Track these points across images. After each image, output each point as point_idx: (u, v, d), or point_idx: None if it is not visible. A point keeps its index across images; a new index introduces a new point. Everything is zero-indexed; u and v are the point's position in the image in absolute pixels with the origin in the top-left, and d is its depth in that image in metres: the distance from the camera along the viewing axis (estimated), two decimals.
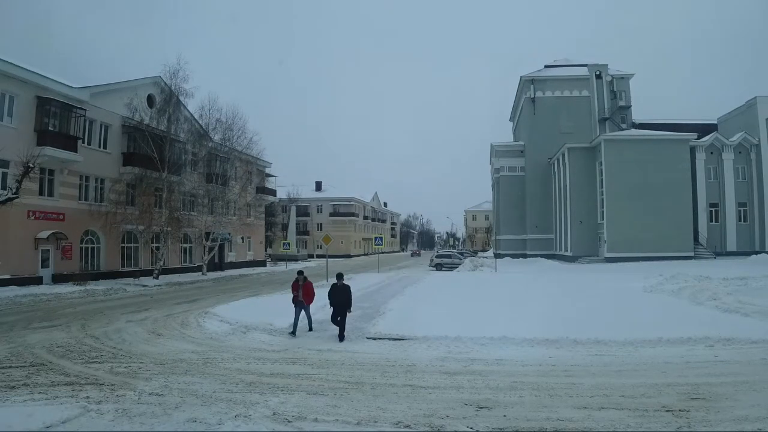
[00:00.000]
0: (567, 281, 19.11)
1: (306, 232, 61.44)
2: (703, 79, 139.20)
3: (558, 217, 37.10)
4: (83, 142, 20.69)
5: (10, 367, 6.61)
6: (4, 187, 16.68)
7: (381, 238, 29.85)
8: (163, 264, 23.86)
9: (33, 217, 18.46)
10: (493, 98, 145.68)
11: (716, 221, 32.73)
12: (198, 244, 28.20)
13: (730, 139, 32.68)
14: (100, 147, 22.21)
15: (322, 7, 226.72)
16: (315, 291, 9.60)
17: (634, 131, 34.68)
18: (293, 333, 8.91)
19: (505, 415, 4.60)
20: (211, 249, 27.34)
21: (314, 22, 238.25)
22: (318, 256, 53.70)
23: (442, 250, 51.69)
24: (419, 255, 72.01)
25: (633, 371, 6.18)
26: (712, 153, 32.84)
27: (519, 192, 40.41)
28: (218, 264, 30.41)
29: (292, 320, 9.13)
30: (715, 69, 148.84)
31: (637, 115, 38.98)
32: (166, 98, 23.89)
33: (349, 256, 59.00)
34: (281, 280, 24.69)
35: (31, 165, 15.55)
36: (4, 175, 17.36)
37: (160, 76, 24.23)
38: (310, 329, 9.24)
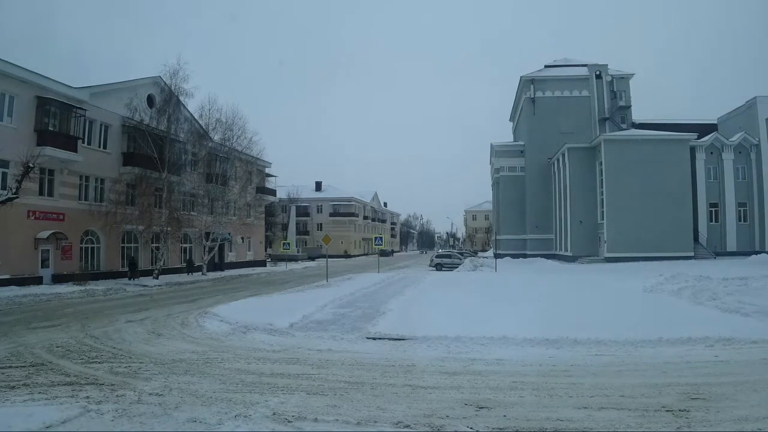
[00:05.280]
0: (567, 281, 19.10)
1: (306, 232, 61.49)
2: (703, 79, 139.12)
3: (558, 217, 37.10)
4: (83, 142, 20.71)
5: (10, 367, 6.61)
6: (4, 187, 16.69)
7: (381, 238, 29.85)
8: (163, 264, 23.86)
9: (33, 217, 18.47)
10: (493, 98, 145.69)
11: (716, 221, 32.75)
12: (198, 244, 28.21)
13: (730, 139, 32.70)
14: (100, 147, 22.22)
15: (322, 7, 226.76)
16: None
17: (634, 131, 34.68)
18: None
19: (505, 415, 4.60)
20: (211, 249, 27.34)
21: (314, 22, 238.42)
22: (318, 256, 53.70)
23: (442, 250, 51.69)
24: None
25: (633, 371, 6.17)
26: (712, 153, 32.86)
27: (519, 192, 40.40)
28: (218, 264, 30.42)
29: (292, 320, 9.08)
30: (715, 69, 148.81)
31: (637, 115, 39.02)
32: (166, 98, 23.91)
33: (348, 256, 59.00)
34: (281, 280, 24.73)
35: (31, 165, 15.57)
36: (4, 175, 17.36)
37: (159, 76, 24.26)
38: None
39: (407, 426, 4.35)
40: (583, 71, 39.29)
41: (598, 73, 38.86)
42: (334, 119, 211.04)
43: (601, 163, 31.59)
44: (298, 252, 50.11)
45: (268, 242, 47.83)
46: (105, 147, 22.49)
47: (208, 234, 27.04)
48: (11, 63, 17.69)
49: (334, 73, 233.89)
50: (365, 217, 72.17)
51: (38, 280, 18.56)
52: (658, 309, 11.04)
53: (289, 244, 34.39)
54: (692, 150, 31.53)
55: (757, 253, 29.60)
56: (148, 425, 4.38)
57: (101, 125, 22.27)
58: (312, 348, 7.88)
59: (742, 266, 22.11)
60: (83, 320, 10.96)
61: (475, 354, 7.23)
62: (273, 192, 39.57)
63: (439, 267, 32.44)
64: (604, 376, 5.94)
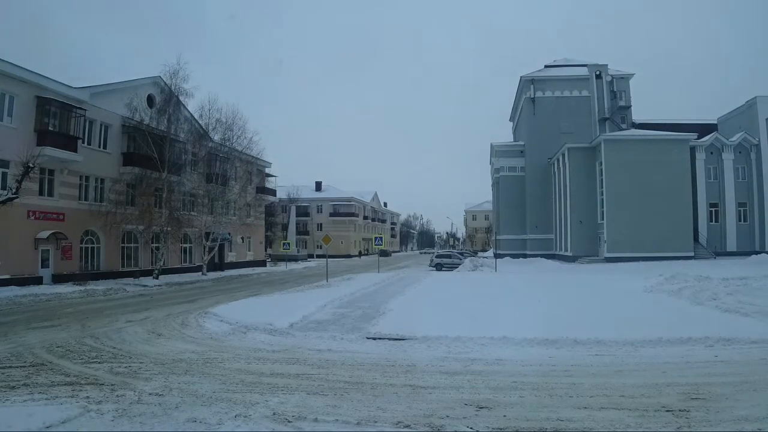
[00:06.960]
0: (567, 281, 19.10)
1: (306, 232, 61.47)
2: (703, 79, 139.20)
3: (558, 217, 37.10)
4: (83, 142, 20.70)
5: (10, 367, 6.61)
6: (4, 187, 16.69)
7: (381, 238, 29.85)
8: (163, 264, 23.86)
9: (33, 217, 18.47)
10: (494, 98, 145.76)
11: (716, 221, 32.73)
12: (198, 244, 28.20)
13: (730, 139, 32.69)
14: (100, 147, 22.21)
15: (322, 7, 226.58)
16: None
17: (634, 131, 34.68)
18: None
19: (505, 415, 4.60)
20: (211, 249, 27.33)
21: (314, 22, 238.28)
22: (318, 256, 53.72)
23: (442, 250, 51.66)
24: None
25: (633, 371, 6.18)
26: (712, 153, 32.85)
27: (519, 192, 40.41)
28: (218, 264, 30.41)
29: (292, 320, 9.08)
30: (715, 69, 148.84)
31: (637, 115, 39.04)
32: (166, 98, 23.90)
33: (349, 257, 58.99)
34: (281, 280, 24.74)
35: (31, 165, 15.57)
36: (4, 175, 17.36)
37: (159, 76, 24.25)
38: None
39: (407, 426, 4.35)
40: (583, 71, 39.29)
41: (598, 73, 38.86)
42: (334, 119, 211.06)
43: (601, 163, 31.59)
44: (297, 252, 50.07)
45: (268, 242, 47.79)
46: (105, 147, 22.49)
47: (208, 234, 27.03)
48: (11, 63, 17.67)
49: (334, 73, 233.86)
50: (365, 217, 72.17)
51: (38, 280, 18.55)
52: (658, 309, 11.04)
53: (289, 244, 34.36)
54: (692, 150, 31.52)
55: (757, 253, 29.60)
56: (148, 425, 4.38)
57: (101, 125, 22.26)
58: (312, 348, 7.88)
59: (742, 266, 22.11)
60: (83, 320, 10.96)
61: (475, 354, 7.22)
62: (273, 192, 39.56)
63: (439, 267, 32.43)
64: (604, 376, 5.94)
